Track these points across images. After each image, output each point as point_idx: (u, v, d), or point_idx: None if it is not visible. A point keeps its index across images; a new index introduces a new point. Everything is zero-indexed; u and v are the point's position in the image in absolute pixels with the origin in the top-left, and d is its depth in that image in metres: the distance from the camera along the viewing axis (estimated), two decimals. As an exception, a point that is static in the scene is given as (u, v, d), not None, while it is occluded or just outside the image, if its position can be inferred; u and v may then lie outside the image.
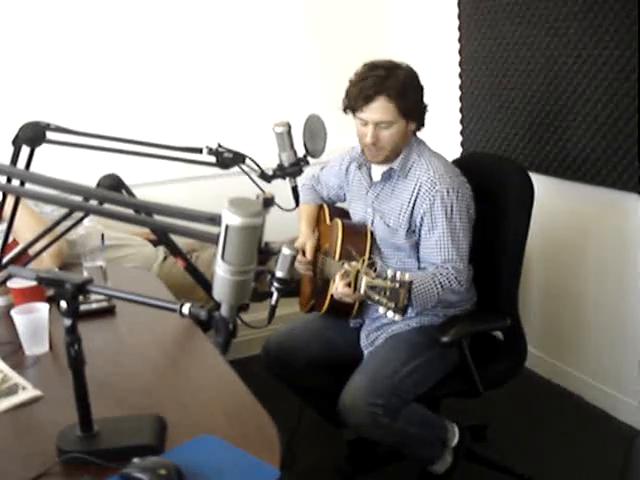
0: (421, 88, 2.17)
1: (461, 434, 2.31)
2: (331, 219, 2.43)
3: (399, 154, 2.19)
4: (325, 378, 2.36)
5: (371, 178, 2.30)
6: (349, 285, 1.96)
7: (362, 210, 2.31)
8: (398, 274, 1.80)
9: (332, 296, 2.14)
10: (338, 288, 2.00)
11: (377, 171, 2.27)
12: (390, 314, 1.81)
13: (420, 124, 2.21)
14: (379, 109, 2.08)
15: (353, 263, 1.98)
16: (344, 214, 2.45)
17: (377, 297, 1.83)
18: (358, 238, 2.24)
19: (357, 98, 2.10)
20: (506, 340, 2.34)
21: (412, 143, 2.21)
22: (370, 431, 2.06)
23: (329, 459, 2.57)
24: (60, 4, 2.99)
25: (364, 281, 1.88)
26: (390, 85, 2.06)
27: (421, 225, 2.14)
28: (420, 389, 2.13)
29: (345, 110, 2.17)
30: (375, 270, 1.90)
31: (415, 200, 2.13)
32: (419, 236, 2.16)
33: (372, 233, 2.25)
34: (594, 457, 2.61)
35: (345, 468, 2.51)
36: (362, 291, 1.89)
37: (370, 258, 2.01)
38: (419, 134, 2.26)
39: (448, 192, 2.09)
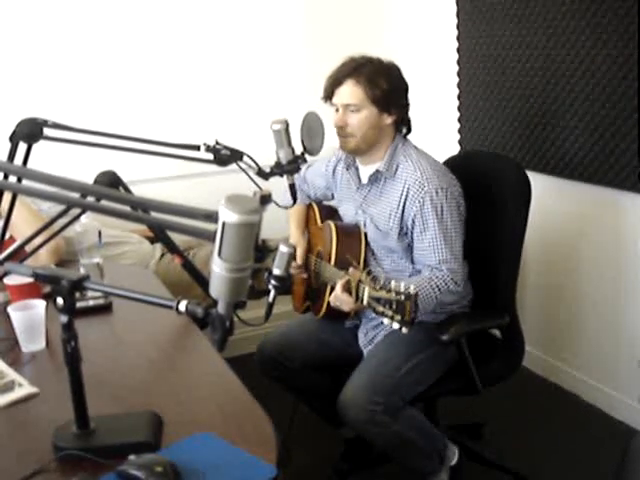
0: (398, 81, 2.17)
1: (460, 456, 2.30)
2: (322, 220, 2.43)
3: (373, 146, 2.18)
4: (321, 378, 2.36)
5: (359, 179, 2.29)
6: (350, 293, 1.95)
7: (352, 211, 2.31)
8: (402, 286, 1.79)
9: (329, 302, 2.13)
10: (338, 296, 2.00)
11: (365, 173, 2.27)
12: (396, 326, 1.79)
13: (400, 121, 2.20)
14: (347, 92, 2.13)
15: (351, 270, 1.97)
16: (334, 213, 2.44)
17: (381, 309, 1.81)
18: (352, 241, 2.24)
19: (330, 83, 2.17)
20: (504, 338, 2.34)
21: (397, 143, 2.20)
22: (367, 428, 2.05)
23: (325, 457, 2.57)
24: (58, 0, 2.98)
25: (366, 292, 1.87)
26: (361, 71, 2.11)
27: (412, 227, 2.13)
28: (420, 387, 2.13)
29: (325, 100, 2.21)
30: (374, 280, 1.89)
31: (404, 202, 2.12)
32: (411, 238, 2.15)
33: (365, 235, 2.25)
34: (590, 456, 2.61)
35: (341, 466, 2.51)
36: (365, 302, 1.88)
37: (370, 272, 1.99)
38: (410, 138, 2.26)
39: (437, 192, 2.08)
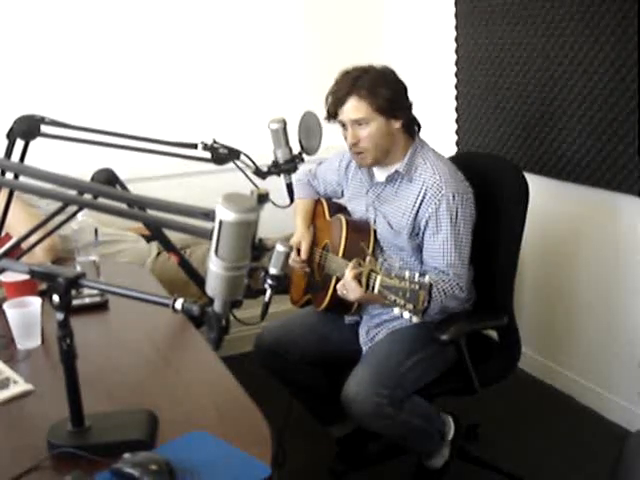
0: (397, 85, 2.17)
1: (456, 427, 2.33)
2: (331, 214, 2.43)
3: (389, 154, 2.18)
4: (317, 375, 2.36)
5: (371, 177, 2.30)
6: (360, 282, 1.95)
7: (362, 209, 2.31)
8: (417, 275, 1.78)
9: (333, 293, 2.13)
10: (347, 283, 1.98)
11: (380, 173, 2.27)
12: (406, 315, 1.78)
13: (408, 122, 2.20)
14: (352, 108, 2.12)
15: (368, 259, 1.95)
16: (343, 209, 2.44)
17: (393, 297, 1.80)
18: (362, 235, 2.24)
19: (332, 104, 2.16)
20: (500, 339, 2.34)
21: (416, 146, 2.21)
22: (374, 422, 2.05)
23: (321, 457, 2.57)
24: (56, -2, 2.99)
25: (378, 280, 1.86)
26: (360, 85, 2.10)
27: (425, 228, 2.13)
28: (420, 384, 2.14)
29: (328, 119, 2.19)
30: (388, 269, 1.88)
31: (420, 204, 2.13)
32: (422, 239, 2.16)
33: (375, 231, 2.25)
34: (585, 457, 2.61)
35: (336, 466, 2.51)
36: (376, 290, 1.86)
37: (374, 255, 1.98)
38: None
39: (454, 197, 2.09)
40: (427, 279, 1.77)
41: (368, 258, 1.96)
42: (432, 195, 2.10)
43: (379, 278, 1.85)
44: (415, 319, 1.79)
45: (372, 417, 2.03)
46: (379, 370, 2.06)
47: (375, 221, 2.26)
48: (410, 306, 1.77)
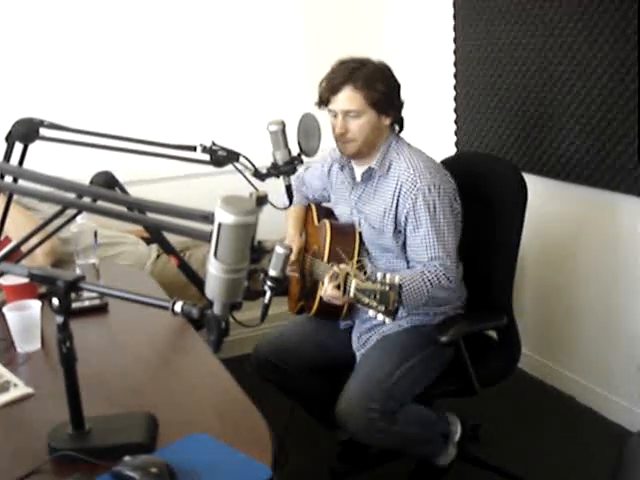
0: (393, 82, 2.17)
1: (462, 425, 2.33)
2: (319, 220, 2.43)
3: (373, 148, 2.18)
4: (317, 381, 2.36)
5: (353, 179, 2.29)
6: (338, 287, 1.94)
7: (347, 212, 2.31)
8: (388, 276, 1.79)
9: (321, 298, 2.13)
10: (327, 291, 1.98)
11: (359, 172, 2.26)
12: (380, 317, 1.80)
13: (396, 121, 2.20)
14: (345, 99, 2.11)
15: (342, 265, 1.96)
16: (331, 214, 2.44)
17: (367, 300, 1.81)
18: (346, 239, 2.23)
19: (325, 90, 2.15)
20: (500, 339, 2.34)
21: (390, 141, 2.20)
22: (369, 436, 2.06)
23: (321, 459, 2.57)
24: (55, 0, 2.98)
25: (353, 284, 1.86)
26: (357, 76, 2.09)
27: (406, 224, 2.13)
28: (417, 389, 2.13)
29: (319, 105, 2.18)
30: (365, 273, 1.89)
31: (397, 200, 2.12)
32: (405, 236, 2.15)
33: (360, 234, 2.25)
34: (586, 457, 2.61)
35: (337, 468, 2.51)
36: (351, 294, 1.87)
37: (359, 261, 1.99)
38: (403, 135, 2.26)
39: (430, 189, 2.07)
40: (397, 279, 1.78)
41: (342, 265, 1.96)
42: (407, 190, 2.09)
43: (354, 282, 1.86)
44: (388, 320, 1.79)
45: (366, 433, 2.03)
46: (368, 385, 2.04)
47: (360, 223, 2.25)
48: (382, 307, 1.78)
